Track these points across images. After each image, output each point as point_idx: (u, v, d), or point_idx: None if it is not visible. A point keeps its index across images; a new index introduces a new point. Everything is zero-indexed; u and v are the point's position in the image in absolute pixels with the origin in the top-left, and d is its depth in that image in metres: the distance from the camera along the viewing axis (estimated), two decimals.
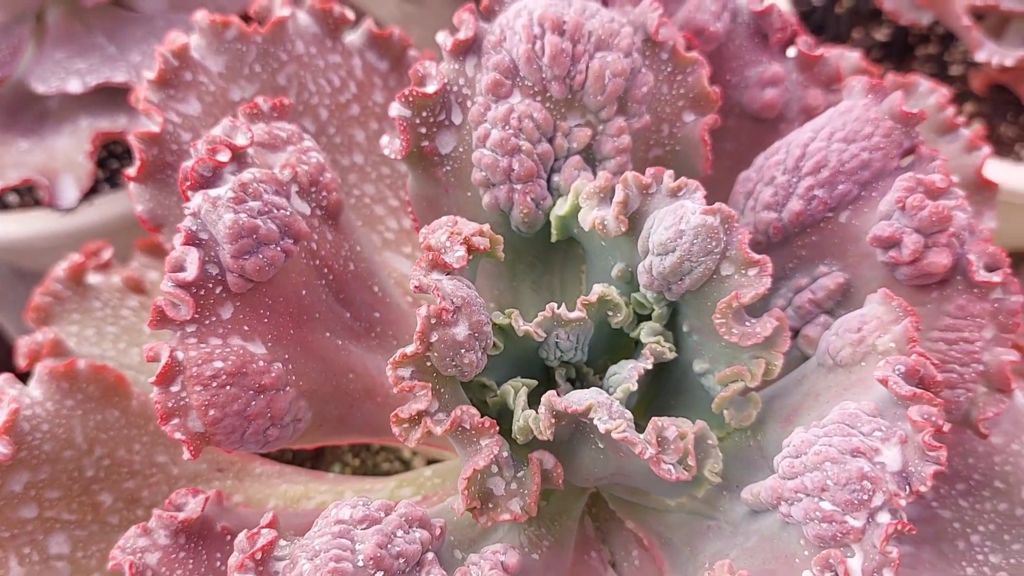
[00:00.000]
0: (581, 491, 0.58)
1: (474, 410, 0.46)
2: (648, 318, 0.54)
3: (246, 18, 0.67)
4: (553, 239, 0.56)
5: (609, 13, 0.56)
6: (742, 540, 0.49)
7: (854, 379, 0.48)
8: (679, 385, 0.55)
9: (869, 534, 0.41)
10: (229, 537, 0.52)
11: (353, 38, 0.69)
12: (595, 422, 0.46)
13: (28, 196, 0.98)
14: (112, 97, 0.90)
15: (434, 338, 0.45)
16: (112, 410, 0.59)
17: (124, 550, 0.48)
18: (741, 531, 0.49)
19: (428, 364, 0.46)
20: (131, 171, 0.59)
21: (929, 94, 0.69)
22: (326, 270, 0.56)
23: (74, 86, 0.88)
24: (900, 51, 1.09)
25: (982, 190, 0.69)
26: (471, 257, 0.48)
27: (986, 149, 0.69)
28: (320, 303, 0.56)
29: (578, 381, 0.56)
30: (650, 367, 0.51)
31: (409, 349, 0.45)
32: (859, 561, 0.41)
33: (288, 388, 0.51)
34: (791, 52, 0.65)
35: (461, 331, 0.46)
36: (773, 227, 0.57)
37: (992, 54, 0.89)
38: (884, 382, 0.44)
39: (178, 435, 0.48)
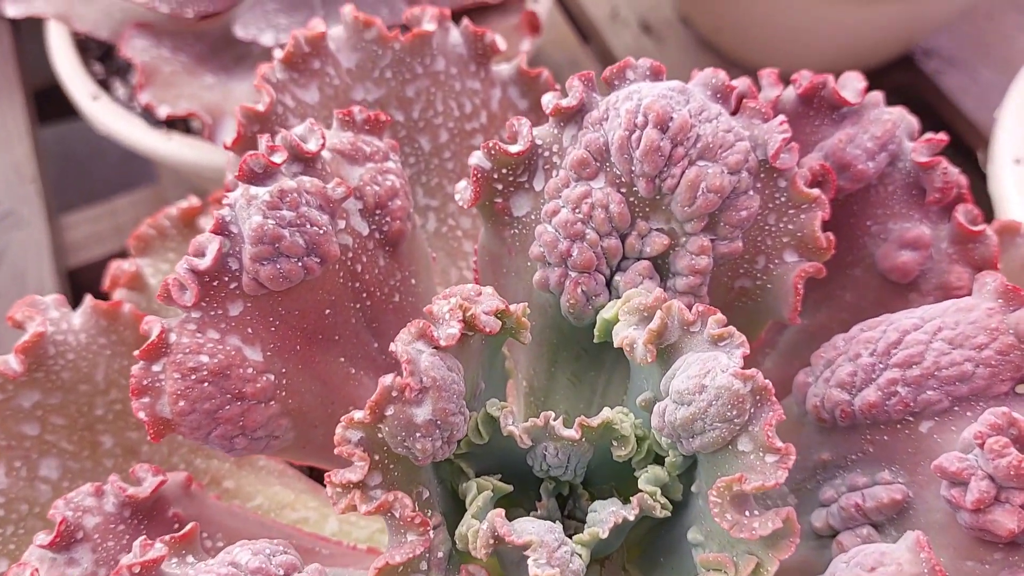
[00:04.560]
0: None
1: (409, 501, 0.42)
2: (661, 462, 0.48)
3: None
4: (595, 340, 0.51)
5: (729, 122, 0.50)
6: None
7: None
8: (675, 546, 0.49)
9: None
10: (176, 525, 0.52)
11: (501, 69, 0.67)
12: (529, 562, 0.41)
13: None
14: None
15: (389, 412, 0.42)
16: None
17: (68, 503, 0.49)
18: None
19: (379, 436, 0.43)
20: (227, 140, 0.59)
21: None
22: (365, 295, 0.54)
23: (267, 39, 0.91)
24: None
25: None
26: (470, 333, 0.45)
27: None
28: (346, 326, 0.54)
29: (570, 499, 0.51)
30: (632, 518, 0.45)
31: (357, 415, 0.42)
32: None
33: (272, 403, 0.50)
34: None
35: (421, 414, 0.42)
36: (842, 410, 0.49)
37: None
38: None
39: (142, 414, 0.47)
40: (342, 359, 0.54)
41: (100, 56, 1.11)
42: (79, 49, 1.10)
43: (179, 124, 1.04)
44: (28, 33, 1.61)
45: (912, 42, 1.44)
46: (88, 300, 0.59)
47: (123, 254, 0.67)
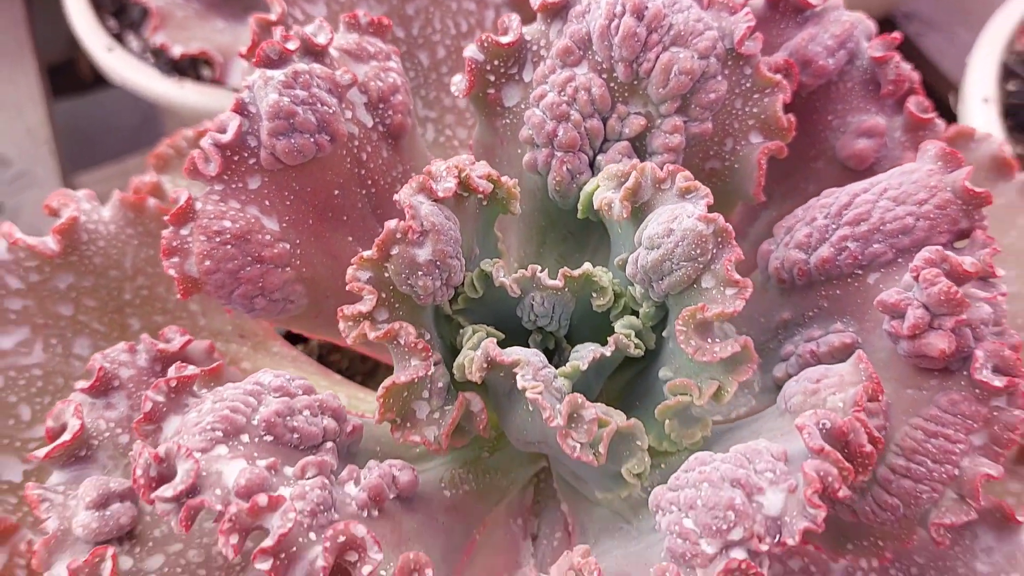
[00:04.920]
0: (529, 460, 0.58)
1: (413, 330, 0.48)
2: (636, 314, 0.54)
3: None
4: (579, 215, 0.57)
5: (699, 13, 0.55)
6: (633, 545, 0.48)
7: (791, 426, 0.46)
8: (649, 389, 0.55)
9: (715, 564, 0.40)
10: None
11: None
12: (517, 377, 0.47)
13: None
14: None
15: (394, 251, 0.47)
16: None
17: (105, 357, 0.54)
18: (642, 540, 0.49)
19: (385, 275, 0.48)
20: (242, 49, 0.65)
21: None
22: (370, 182, 0.60)
23: None
24: None
25: None
26: (465, 194, 0.50)
27: None
28: (353, 209, 0.59)
29: (556, 354, 0.56)
30: (608, 355, 0.51)
31: (367, 253, 0.47)
32: None
33: (288, 269, 0.55)
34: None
35: (423, 254, 0.48)
36: (799, 268, 0.55)
37: None
38: (800, 429, 0.42)
39: (172, 272, 0.53)
40: (350, 238, 0.60)
41: (114, 12, 1.17)
42: (94, 6, 1.16)
43: (190, 73, 1.09)
44: (40, 6, 1.67)
45: (893, 5, 1.50)
46: (117, 193, 0.65)
47: None
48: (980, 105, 1.02)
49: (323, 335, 0.63)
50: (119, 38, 1.13)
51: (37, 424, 0.62)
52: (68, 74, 2.00)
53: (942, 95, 1.37)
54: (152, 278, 0.65)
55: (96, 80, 2.01)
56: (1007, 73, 1.06)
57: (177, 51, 0.93)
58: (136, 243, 0.65)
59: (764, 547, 0.39)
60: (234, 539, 0.40)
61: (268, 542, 0.40)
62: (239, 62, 0.95)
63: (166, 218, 0.53)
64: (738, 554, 0.39)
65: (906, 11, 1.51)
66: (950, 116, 1.19)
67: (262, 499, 0.40)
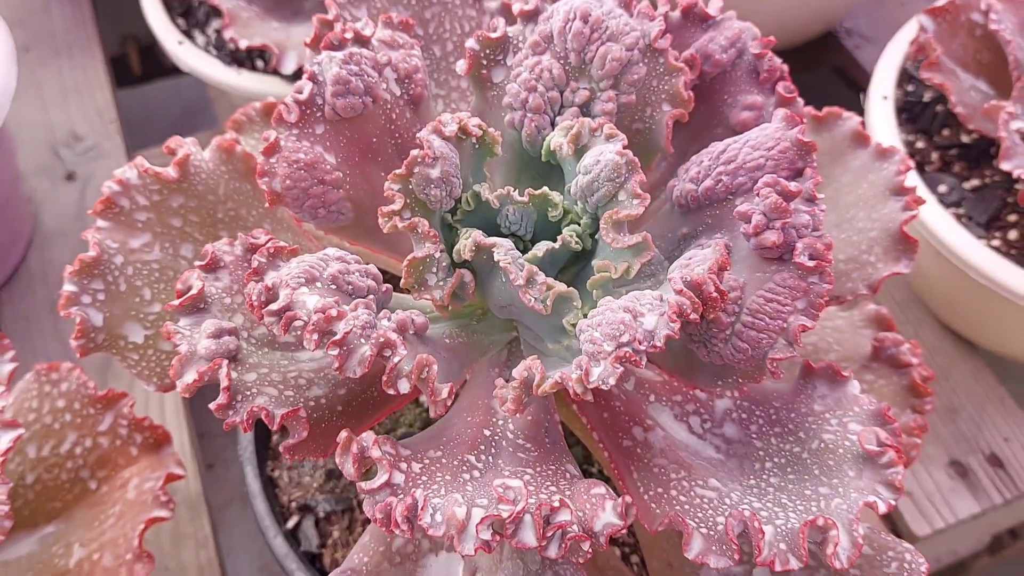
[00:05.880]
0: (504, 327, 0.83)
1: (426, 223, 0.73)
2: (578, 224, 0.78)
3: None
4: (543, 159, 0.82)
5: (627, 20, 0.80)
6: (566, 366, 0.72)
7: (667, 285, 0.70)
8: (586, 276, 0.79)
9: (611, 355, 0.64)
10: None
11: (491, 3, 0.98)
12: (494, 253, 0.72)
13: (270, 66, 1.34)
14: None
15: (416, 170, 0.72)
16: (247, 184, 0.90)
17: (214, 246, 0.79)
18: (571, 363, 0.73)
19: (409, 186, 0.73)
20: (307, 39, 0.90)
21: (884, 155, 0.89)
22: (397, 135, 0.85)
23: None
24: (978, 156, 1.23)
25: (904, 242, 0.88)
26: (463, 136, 0.75)
27: (915, 211, 0.87)
28: (385, 153, 0.84)
29: (523, 252, 0.81)
30: (557, 247, 0.76)
31: (397, 172, 0.72)
32: (598, 370, 0.64)
33: (340, 189, 0.80)
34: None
35: (434, 172, 0.73)
36: (691, 195, 0.79)
37: (1016, 167, 1.05)
38: (670, 280, 0.67)
39: (263, 186, 0.78)
40: (382, 174, 0.84)
41: (182, 12, 1.42)
42: (165, 8, 1.41)
43: (246, 64, 1.34)
44: (101, 8, 1.92)
45: (835, 21, 1.75)
46: (215, 139, 0.90)
47: None
48: (880, 101, 1.27)
49: (362, 243, 0.87)
50: (187, 34, 1.38)
51: (155, 302, 0.86)
52: (120, 68, 2.26)
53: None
54: (237, 203, 0.90)
55: (143, 75, 2.28)
56: (906, 77, 1.31)
57: (244, 44, 1.18)
58: (227, 177, 0.90)
59: (642, 347, 0.64)
60: (315, 337, 0.65)
61: (336, 338, 0.64)
62: (291, 53, 1.20)
63: (261, 148, 0.78)
64: (625, 350, 0.64)
65: (847, 26, 1.76)
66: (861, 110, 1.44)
67: (333, 311, 0.65)
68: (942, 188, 1.20)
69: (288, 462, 1.06)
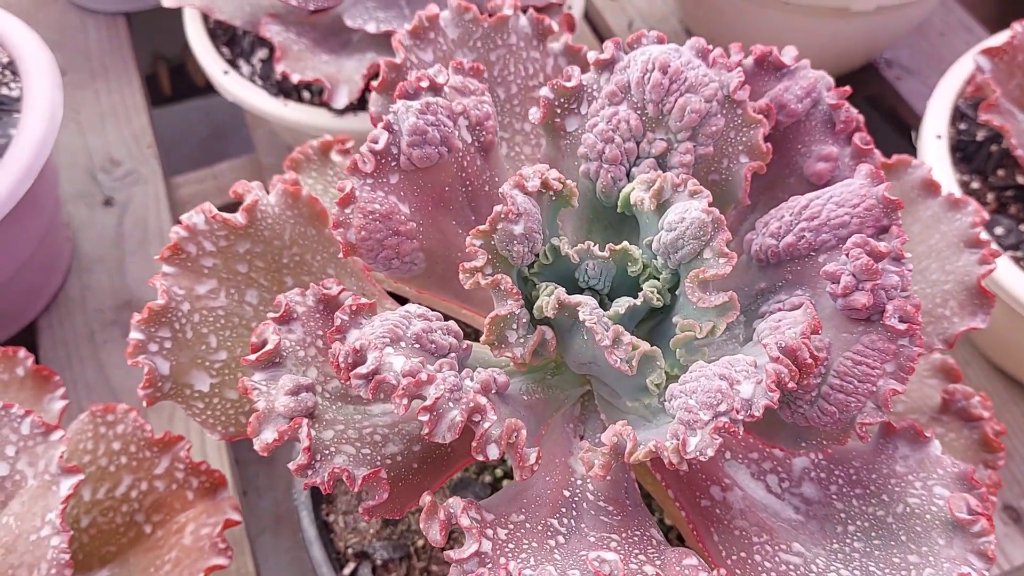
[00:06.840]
0: (578, 381, 0.82)
1: (509, 279, 0.71)
2: (658, 279, 0.77)
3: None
4: (618, 210, 0.81)
5: (706, 70, 0.79)
6: (654, 429, 0.71)
7: (760, 348, 0.69)
8: (667, 332, 0.78)
9: (708, 425, 0.63)
10: None
11: (555, 45, 0.97)
12: (578, 312, 0.70)
13: (317, 97, 1.33)
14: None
15: (499, 226, 0.71)
16: (311, 228, 0.89)
17: (287, 297, 0.78)
18: (659, 427, 0.72)
19: (492, 242, 0.72)
20: (375, 83, 0.89)
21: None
22: (468, 183, 0.84)
23: (371, 27, 1.21)
24: None
25: (981, 297, 0.87)
26: (544, 191, 0.74)
27: (993, 265, 0.86)
28: (457, 202, 0.83)
29: (602, 307, 0.80)
30: (638, 303, 0.74)
31: (481, 228, 0.71)
32: (695, 440, 0.63)
33: (414, 240, 0.79)
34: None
35: (518, 228, 0.71)
36: (771, 251, 0.78)
37: None
38: (765, 346, 0.66)
39: (338, 237, 0.76)
40: (454, 222, 0.83)
41: (226, 42, 1.41)
42: (210, 37, 1.40)
43: (292, 95, 1.33)
44: (139, 29, 1.92)
45: (875, 53, 1.74)
46: (280, 183, 0.89)
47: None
48: (934, 140, 1.26)
49: (431, 292, 0.86)
50: (232, 63, 1.37)
51: (221, 350, 0.85)
52: (150, 87, 2.25)
53: (915, 130, 1.61)
54: (302, 248, 0.89)
55: (173, 95, 2.27)
56: (959, 115, 1.29)
57: (296, 78, 1.17)
58: (292, 222, 0.88)
59: (740, 417, 0.63)
60: (404, 402, 0.63)
61: (427, 403, 0.63)
62: (343, 88, 1.19)
63: (336, 200, 0.77)
64: (723, 420, 0.63)
65: (888, 58, 1.75)
66: (913, 149, 1.43)
67: (423, 375, 0.64)
68: (999, 230, 1.19)
69: (343, 507, 1.05)
